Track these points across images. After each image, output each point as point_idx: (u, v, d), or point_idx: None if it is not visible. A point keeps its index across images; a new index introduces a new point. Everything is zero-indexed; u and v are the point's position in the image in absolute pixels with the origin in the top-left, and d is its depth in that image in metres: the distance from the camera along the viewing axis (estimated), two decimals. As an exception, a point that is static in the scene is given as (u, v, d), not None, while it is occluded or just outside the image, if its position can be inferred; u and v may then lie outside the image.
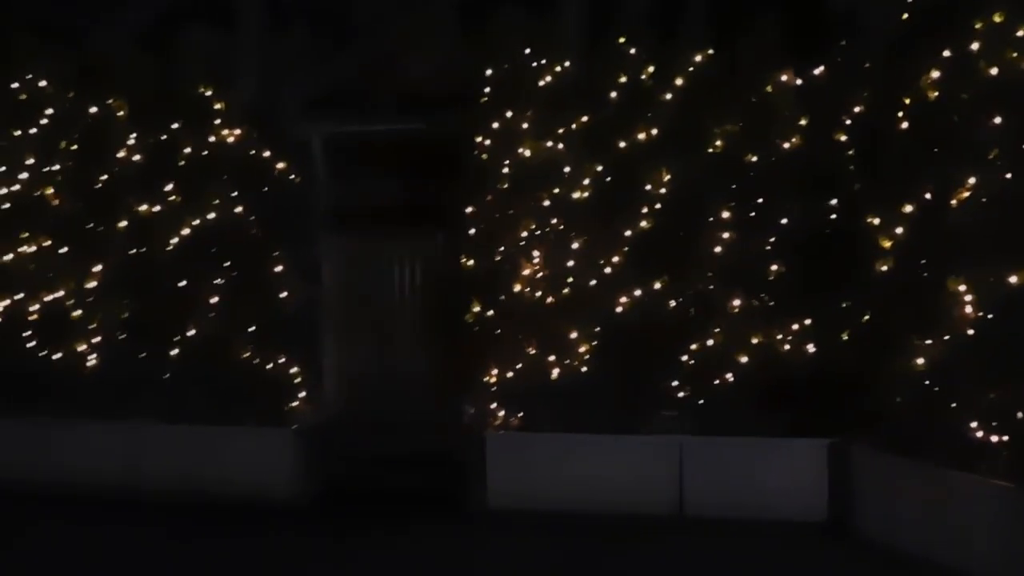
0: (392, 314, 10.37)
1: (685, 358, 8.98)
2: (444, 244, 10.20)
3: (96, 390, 10.21)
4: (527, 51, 9.49)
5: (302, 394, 9.95)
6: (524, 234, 9.32)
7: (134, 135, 10.29)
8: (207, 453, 9.78)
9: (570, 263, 9.26)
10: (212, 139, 10.13)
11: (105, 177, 10.36)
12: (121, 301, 10.12)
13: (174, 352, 9.90)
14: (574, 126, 9.31)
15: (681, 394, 9.00)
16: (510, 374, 9.29)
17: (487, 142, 9.42)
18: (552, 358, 9.27)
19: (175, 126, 10.20)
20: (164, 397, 9.97)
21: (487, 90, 9.52)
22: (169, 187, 10.06)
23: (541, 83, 9.46)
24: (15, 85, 10.65)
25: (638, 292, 9.03)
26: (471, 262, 9.44)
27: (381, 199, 10.29)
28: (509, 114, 9.38)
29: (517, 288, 9.25)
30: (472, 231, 9.52)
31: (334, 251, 10.42)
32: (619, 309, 9.09)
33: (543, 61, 9.48)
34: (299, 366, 9.96)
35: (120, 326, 10.13)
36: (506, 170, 9.36)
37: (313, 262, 10.24)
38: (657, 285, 9.07)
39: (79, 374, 10.21)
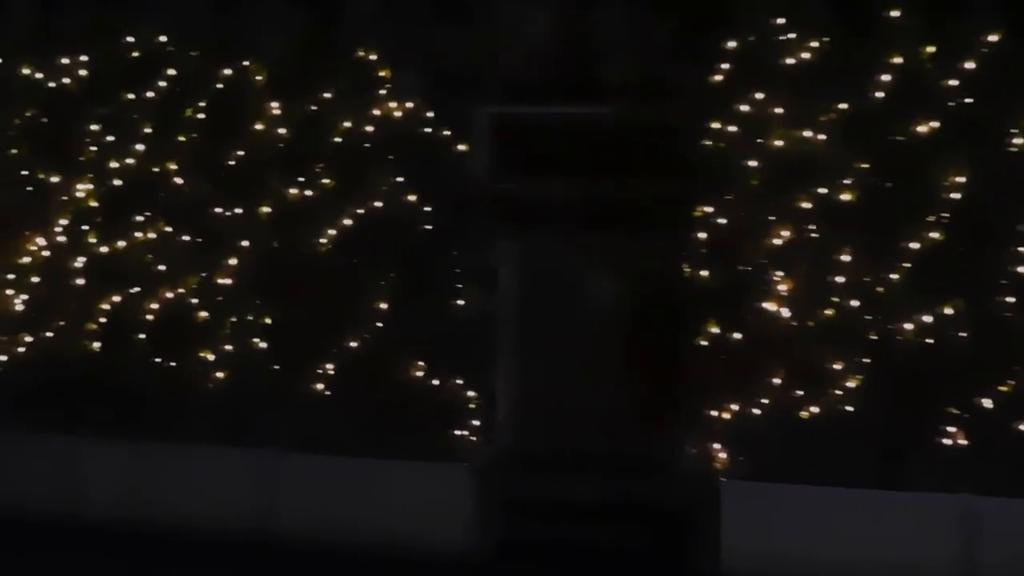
0: (582, 330, 8.50)
1: (977, 400, 7.35)
2: (652, 250, 8.33)
3: (219, 408, 8.50)
4: (777, 21, 7.80)
5: (475, 423, 8.30)
6: (776, 242, 7.67)
7: (276, 104, 8.58)
8: (358, 491, 8.04)
9: (834, 279, 7.56)
10: (376, 112, 8.45)
11: (241, 153, 8.61)
12: (259, 303, 8.37)
13: (327, 366, 8.20)
14: (833, 114, 7.62)
15: (968, 443, 7.40)
16: (753, 409, 7.62)
17: (730, 128, 7.69)
18: (801, 392, 7.59)
19: (327, 96, 8.55)
20: (303, 420, 8.29)
21: (724, 67, 7.78)
22: (320, 168, 8.36)
23: (791, 61, 7.77)
24: (130, 39, 9.00)
25: (924, 317, 7.27)
26: (704, 273, 7.80)
27: (568, 194, 8.41)
28: (760, 96, 7.56)
29: (767, 306, 7.54)
30: (702, 235, 7.83)
31: (510, 253, 8.65)
32: (897, 337, 7.38)
33: (790, 36, 7.73)
34: (472, 389, 8.32)
35: (257, 333, 8.39)
36: (752, 164, 7.68)
37: (487, 266, 8.52)
38: (948, 310, 7.32)
39: (200, 388, 8.46)
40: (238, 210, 8.56)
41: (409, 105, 8.34)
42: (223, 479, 8.33)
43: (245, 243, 8.51)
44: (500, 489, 8.16)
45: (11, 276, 9.04)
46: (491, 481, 8.17)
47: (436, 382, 8.21)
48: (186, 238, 8.69)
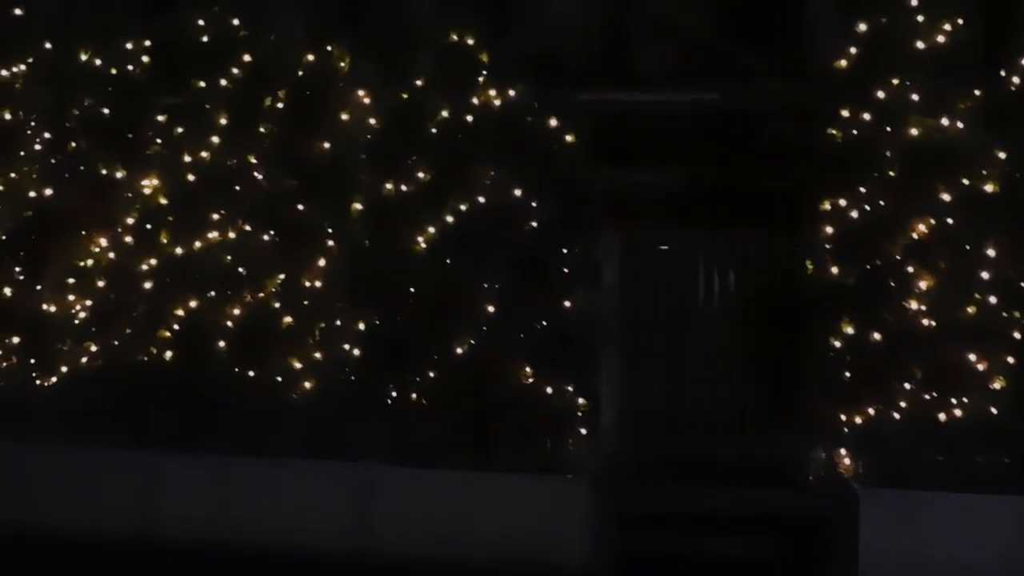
0: (692, 331, 8.13)
1: None
2: (768, 244, 7.92)
3: (307, 420, 7.79)
4: (911, 2, 7.25)
5: (584, 430, 7.65)
6: (913, 236, 7.12)
7: (363, 92, 7.93)
8: (460, 506, 7.48)
9: (977, 274, 7.09)
10: (474, 101, 7.82)
11: (327, 145, 7.94)
12: (350, 307, 7.72)
13: (424, 374, 7.56)
14: (972, 100, 7.13)
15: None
16: (890, 413, 7.06)
17: (865, 116, 7.14)
18: (941, 395, 7.00)
19: (419, 83, 7.91)
20: (399, 431, 7.59)
21: (852, 51, 7.27)
22: (414, 160, 7.65)
23: (924, 45, 7.23)
24: (200, 22, 8.27)
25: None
26: (833, 270, 7.22)
27: (676, 186, 7.92)
28: (895, 82, 7.04)
29: (904, 304, 7.04)
30: (829, 230, 7.24)
31: (614, 249, 8.14)
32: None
33: (920, 19, 7.22)
34: (580, 395, 7.67)
35: (348, 339, 7.71)
36: (888, 154, 7.17)
37: (592, 263, 7.92)
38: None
39: (285, 398, 7.74)
40: (325, 207, 7.89)
41: (511, 93, 7.72)
42: (313, 495, 7.71)
43: (333, 242, 7.88)
44: (615, 500, 7.65)
45: (72, 280, 8.26)
46: (605, 492, 7.64)
47: (542, 388, 7.59)
48: (268, 237, 7.97)
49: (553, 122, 7.75)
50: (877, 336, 7.27)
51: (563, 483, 7.54)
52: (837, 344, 7.33)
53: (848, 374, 7.34)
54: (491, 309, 7.57)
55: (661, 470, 7.98)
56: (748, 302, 8.10)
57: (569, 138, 7.80)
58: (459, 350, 7.63)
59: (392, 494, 7.69)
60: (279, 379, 7.92)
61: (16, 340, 8.45)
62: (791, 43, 7.94)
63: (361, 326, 7.82)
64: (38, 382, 8.39)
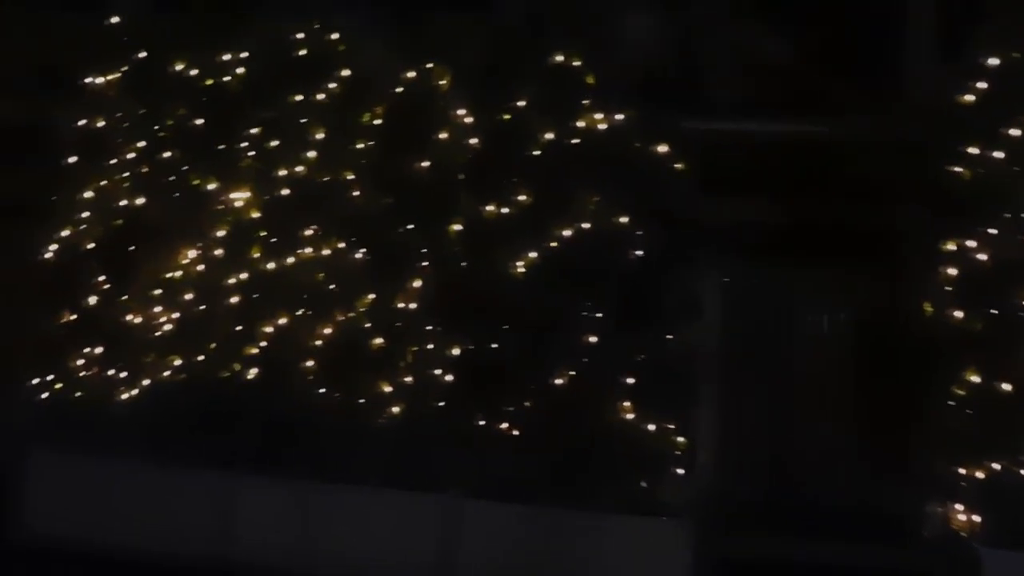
0: (797, 371, 7.84)
1: None
2: (879, 283, 7.63)
3: (393, 447, 7.48)
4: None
5: (681, 470, 7.36)
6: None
7: (463, 112, 7.77)
8: (551, 544, 7.06)
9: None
10: (579, 124, 7.54)
11: (425, 164, 7.72)
12: (443, 331, 7.47)
13: (518, 403, 7.28)
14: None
15: None
16: (1017, 469, 6.65)
17: (997, 154, 6.78)
18: None
19: (521, 104, 7.70)
20: (489, 462, 7.29)
21: (980, 86, 6.92)
22: (515, 182, 7.41)
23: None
24: (299, 35, 8.12)
25: None
26: (958, 314, 6.83)
27: (781, 219, 7.67)
28: None
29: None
30: (951, 272, 6.86)
31: (714, 282, 7.95)
32: None
33: None
34: (679, 433, 7.36)
35: (440, 363, 7.47)
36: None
37: (694, 295, 7.70)
38: None
39: (372, 423, 7.42)
40: (421, 227, 7.66)
41: (618, 117, 7.52)
42: (397, 525, 7.41)
43: (428, 263, 7.62)
44: (716, 546, 7.23)
45: (159, 291, 8.11)
46: (706, 537, 7.22)
47: (640, 424, 7.28)
48: (361, 256, 7.74)
49: (660, 149, 7.46)
50: (1007, 387, 6.75)
51: (659, 524, 7.12)
52: (960, 392, 6.95)
53: (971, 424, 7.03)
54: (592, 339, 7.29)
55: (763, 516, 7.65)
56: (857, 343, 7.81)
57: (677, 166, 7.55)
58: (557, 381, 7.27)
59: (478, 528, 7.32)
60: (364, 402, 7.58)
61: (99, 350, 8.29)
62: (903, 77, 7.71)
63: (455, 351, 7.56)
64: (118, 394, 8.26)
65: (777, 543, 7.31)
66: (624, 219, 7.43)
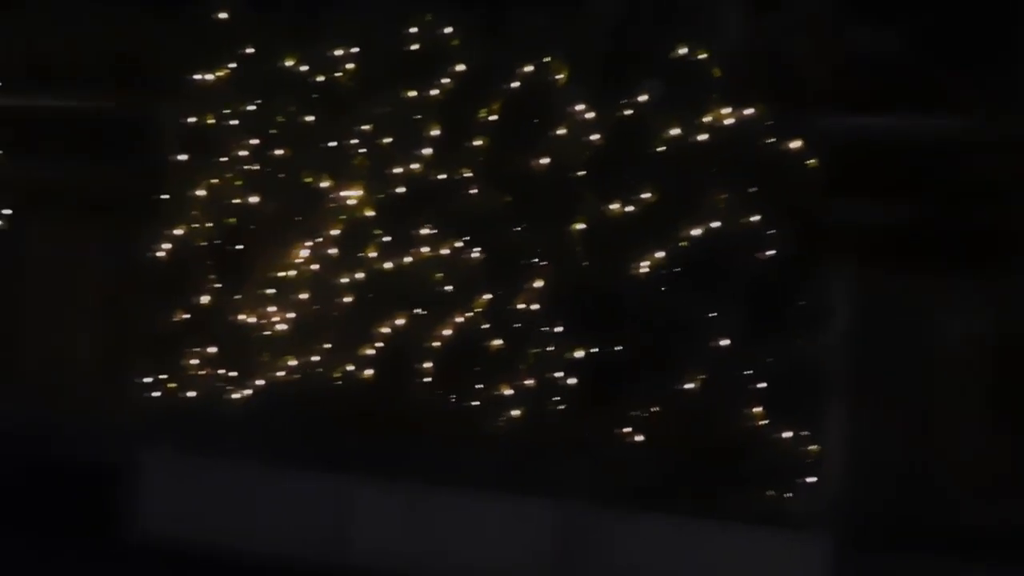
0: (935, 382, 7.34)
1: None
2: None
3: (511, 451, 7.30)
4: None
5: (809, 480, 6.95)
6: None
7: (582, 107, 7.51)
8: (677, 555, 6.89)
9: None
10: (706, 120, 7.28)
11: (545, 161, 7.55)
12: (565, 332, 7.28)
13: (644, 409, 7.10)
14: None
15: None
16: None
17: None
18: None
19: (643, 99, 7.43)
20: (612, 469, 7.07)
21: None
22: (639, 180, 7.15)
23: None
24: (413, 30, 7.89)
25: None
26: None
27: (916, 220, 7.18)
28: None
29: None
30: None
31: (849, 286, 7.40)
32: None
33: None
34: (812, 442, 6.97)
35: (561, 366, 7.27)
36: None
37: (826, 299, 7.20)
38: None
39: (490, 427, 7.33)
40: (541, 225, 7.45)
41: (748, 112, 7.18)
42: (515, 533, 7.31)
43: (549, 263, 7.41)
44: (855, 566, 6.90)
45: (272, 291, 8.02)
46: (845, 556, 6.91)
47: (770, 431, 6.98)
48: (479, 255, 7.59)
49: (793, 145, 7.07)
50: None
51: (794, 537, 6.87)
52: None
53: None
54: (724, 343, 6.96)
55: (902, 534, 7.19)
56: (1002, 354, 7.27)
57: (810, 162, 7.15)
58: (686, 385, 6.96)
59: (599, 538, 7.21)
60: (482, 405, 7.46)
61: (211, 350, 8.26)
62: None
63: (578, 354, 7.33)
64: (231, 394, 8.26)
65: (921, 565, 6.93)
66: (754, 218, 7.12)
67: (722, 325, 7.22)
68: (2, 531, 8.64)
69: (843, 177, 7.35)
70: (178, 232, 8.43)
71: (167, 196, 8.52)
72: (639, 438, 7.28)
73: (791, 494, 7.09)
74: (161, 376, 8.42)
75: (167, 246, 8.46)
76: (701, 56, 7.42)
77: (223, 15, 8.48)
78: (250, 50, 8.48)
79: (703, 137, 7.28)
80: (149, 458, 8.40)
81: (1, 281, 9.49)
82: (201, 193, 8.48)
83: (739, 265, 7.24)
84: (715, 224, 7.21)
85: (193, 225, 8.42)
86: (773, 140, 7.22)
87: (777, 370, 7.18)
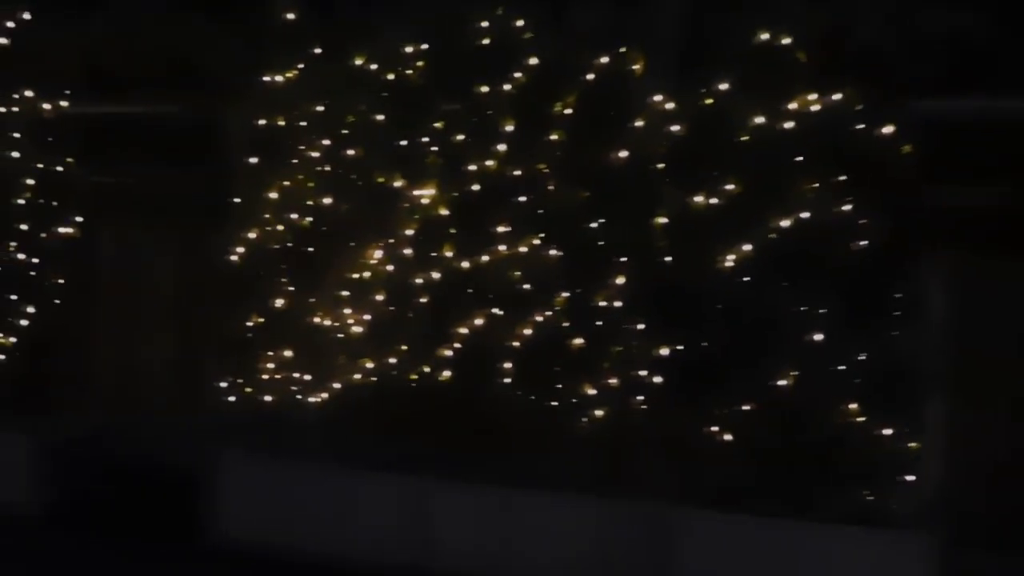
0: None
1: None
2: None
3: (596, 452, 7.15)
4: None
5: (908, 478, 6.65)
6: None
7: (660, 97, 7.24)
8: (773, 556, 6.65)
9: None
10: (792, 106, 6.97)
11: (623, 154, 7.32)
12: (649, 330, 7.13)
13: (739, 407, 6.82)
14: None
15: None
16: None
17: None
18: None
19: (723, 87, 7.14)
20: (700, 470, 6.88)
21: None
22: (723, 171, 6.94)
23: None
24: (483, 24, 7.73)
25: None
26: None
27: (1015, 207, 6.78)
28: None
29: None
30: None
31: (946, 277, 7.08)
32: None
33: None
34: (911, 439, 6.68)
35: (646, 365, 7.11)
36: None
37: (920, 289, 6.93)
38: None
39: (573, 427, 7.15)
40: (621, 220, 7.28)
41: (835, 97, 6.87)
42: (600, 535, 7.14)
43: (630, 259, 7.24)
44: (957, 562, 6.66)
45: (347, 292, 7.94)
46: (947, 553, 6.66)
47: (867, 429, 6.72)
48: (557, 251, 7.44)
49: (885, 130, 6.79)
50: None
51: (894, 537, 6.65)
52: None
53: None
54: (817, 337, 6.71)
55: (1005, 532, 6.87)
56: None
57: (905, 149, 6.83)
58: (780, 382, 6.75)
59: (693, 540, 6.98)
60: (563, 405, 7.32)
61: (287, 353, 8.21)
62: None
63: (663, 351, 7.15)
64: (307, 398, 8.22)
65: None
66: (846, 207, 6.85)
67: (814, 319, 6.99)
68: (84, 536, 8.75)
69: (937, 162, 7.07)
70: (251, 235, 8.42)
71: (239, 199, 8.50)
72: (727, 437, 7.09)
73: (890, 493, 6.84)
74: (238, 380, 8.43)
75: (240, 249, 8.46)
76: (784, 41, 7.30)
77: (290, 16, 8.45)
78: (318, 50, 8.42)
79: (789, 125, 7.06)
80: (227, 461, 8.43)
81: (76, 288, 9.51)
82: (273, 195, 8.46)
83: (831, 256, 6.98)
84: (805, 214, 6.98)
85: (266, 228, 8.38)
86: (863, 126, 7.02)
87: (872, 365, 6.95)
